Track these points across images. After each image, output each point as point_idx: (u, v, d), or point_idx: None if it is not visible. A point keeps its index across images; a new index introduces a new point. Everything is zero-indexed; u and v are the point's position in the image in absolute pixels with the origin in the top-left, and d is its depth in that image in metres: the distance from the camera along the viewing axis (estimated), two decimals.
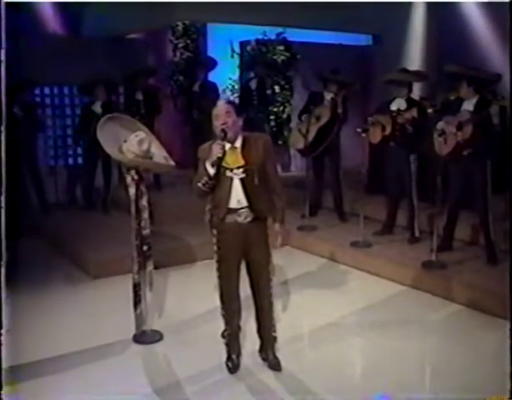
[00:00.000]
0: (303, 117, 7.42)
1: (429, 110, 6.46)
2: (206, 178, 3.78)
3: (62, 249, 7.14)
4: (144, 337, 4.73)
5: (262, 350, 4.28)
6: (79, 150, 9.26)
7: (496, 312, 4.93)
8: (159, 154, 4.63)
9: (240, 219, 3.87)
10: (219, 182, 3.83)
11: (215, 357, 4.30)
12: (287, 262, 6.46)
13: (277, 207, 4.01)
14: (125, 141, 4.46)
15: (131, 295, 4.70)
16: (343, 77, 7.53)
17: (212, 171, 3.75)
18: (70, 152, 9.62)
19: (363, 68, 9.93)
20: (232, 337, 4.19)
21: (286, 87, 9.87)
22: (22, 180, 7.95)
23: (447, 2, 9.25)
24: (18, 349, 4.17)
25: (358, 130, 6.53)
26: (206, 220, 4.09)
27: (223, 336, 4.25)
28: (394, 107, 6.63)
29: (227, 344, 4.22)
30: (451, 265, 5.86)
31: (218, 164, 3.76)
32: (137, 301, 4.67)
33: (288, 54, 9.70)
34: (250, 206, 3.85)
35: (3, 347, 3.43)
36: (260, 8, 8.47)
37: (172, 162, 4.61)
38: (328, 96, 7.44)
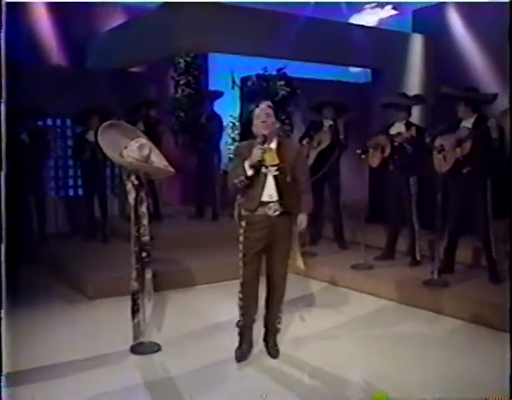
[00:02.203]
0: (303, 142, 7.42)
1: (427, 139, 6.49)
2: (243, 178, 4.11)
3: (61, 275, 7.07)
4: (142, 347, 4.65)
5: (265, 335, 4.59)
6: (79, 181, 9.34)
7: (499, 326, 4.84)
8: (159, 162, 4.64)
9: (270, 212, 4.20)
10: (254, 177, 4.18)
11: (213, 367, 4.32)
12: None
13: (302, 201, 4.35)
14: (126, 147, 4.48)
15: (129, 309, 4.66)
16: (337, 98, 7.62)
17: (250, 172, 4.10)
18: (71, 183, 9.63)
19: (362, 104, 10.05)
20: (245, 328, 4.46)
21: (286, 121, 9.93)
22: (27, 207, 7.99)
23: (443, 33, 9.50)
24: (16, 362, 4.11)
25: (358, 151, 6.57)
26: (235, 214, 4.44)
27: (237, 325, 4.49)
28: (393, 131, 6.69)
29: (240, 334, 4.48)
30: (452, 284, 5.83)
31: (257, 167, 4.11)
32: (135, 310, 4.61)
33: (288, 89, 9.78)
34: (280, 200, 4.18)
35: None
36: (261, 40, 8.62)
37: (171, 169, 4.62)
38: (326, 123, 7.51)
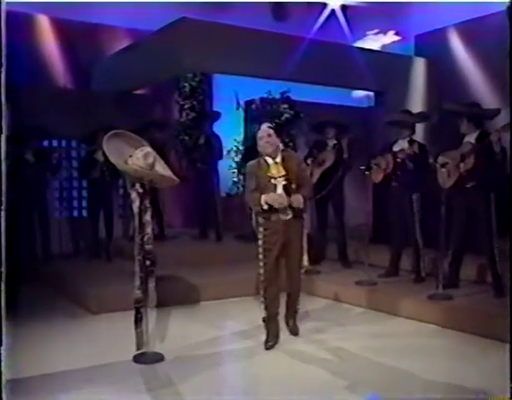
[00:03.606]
0: (308, 161, 7.42)
1: (431, 160, 6.51)
2: (259, 208, 4.75)
3: (65, 292, 7.06)
4: (145, 357, 4.61)
5: (286, 316, 5.27)
6: (84, 202, 9.39)
7: (504, 337, 4.79)
8: (164, 171, 4.67)
9: (283, 216, 4.78)
10: (266, 188, 4.78)
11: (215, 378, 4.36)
12: None
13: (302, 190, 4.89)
14: (131, 156, 4.51)
15: (132, 323, 4.65)
16: (337, 119, 7.69)
17: (266, 207, 4.72)
18: (75, 204, 9.66)
19: (365, 126, 10.13)
20: (270, 321, 4.98)
21: (290, 144, 9.94)
22: (31, 226, 8.02)
23: (445, 56, 9.63)
24: (20, 372, 4.10)
25: (362, 167, 6.61)
26: (253, 223, 5.09)
27: (263, 320, 5.02)
28: (396, 148, 6.71)
29: (266, 327, 4.99)
30: (457, 297, 5.81)
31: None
32: (138, 318, 4.58)
33: (291, 112, 9.84)
34: (290, 205, 4.73)
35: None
36: (266, 62, 8.67)
37: (175, 178, 4.64)
38: (330, 142, 7.56)
